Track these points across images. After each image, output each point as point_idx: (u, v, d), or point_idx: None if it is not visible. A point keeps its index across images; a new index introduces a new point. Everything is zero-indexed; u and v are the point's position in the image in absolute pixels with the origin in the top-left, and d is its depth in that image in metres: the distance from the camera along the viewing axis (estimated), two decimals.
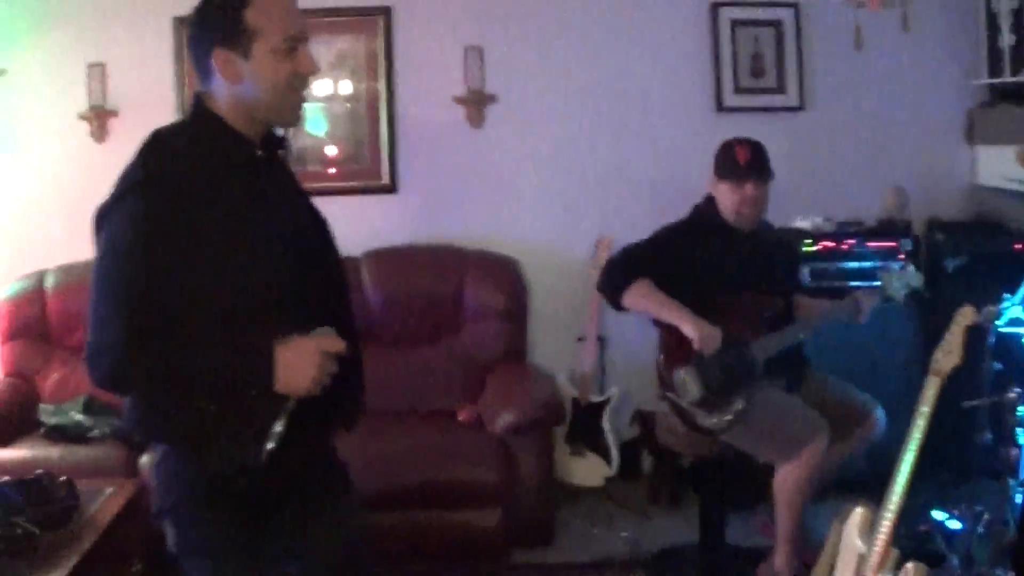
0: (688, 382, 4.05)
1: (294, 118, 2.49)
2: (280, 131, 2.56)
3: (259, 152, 2.47)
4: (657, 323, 4.22)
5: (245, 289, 2.34)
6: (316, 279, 2.52)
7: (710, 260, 4.21)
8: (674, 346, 4.10)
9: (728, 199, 4.21)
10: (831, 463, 4.18)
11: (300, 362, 2.28)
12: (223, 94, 2.40)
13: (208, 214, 2.30)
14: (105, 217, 2.31)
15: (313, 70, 2.43)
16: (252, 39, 2.35)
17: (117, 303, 2.25)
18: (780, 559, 4.13)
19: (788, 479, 4.03)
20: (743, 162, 4.19)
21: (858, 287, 4.52)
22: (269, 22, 2.35)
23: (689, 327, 4.00)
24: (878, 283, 4.35)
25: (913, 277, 4.32)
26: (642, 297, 4.13)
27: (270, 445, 2.28)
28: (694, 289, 4.12)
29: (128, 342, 2.22)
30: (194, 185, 2.31)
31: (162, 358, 2.25)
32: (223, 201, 2.34)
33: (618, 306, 4.21)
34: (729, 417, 4.05)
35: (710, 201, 4.31)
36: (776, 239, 4.53)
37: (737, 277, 4.21)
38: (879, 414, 4.26)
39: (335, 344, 2.34)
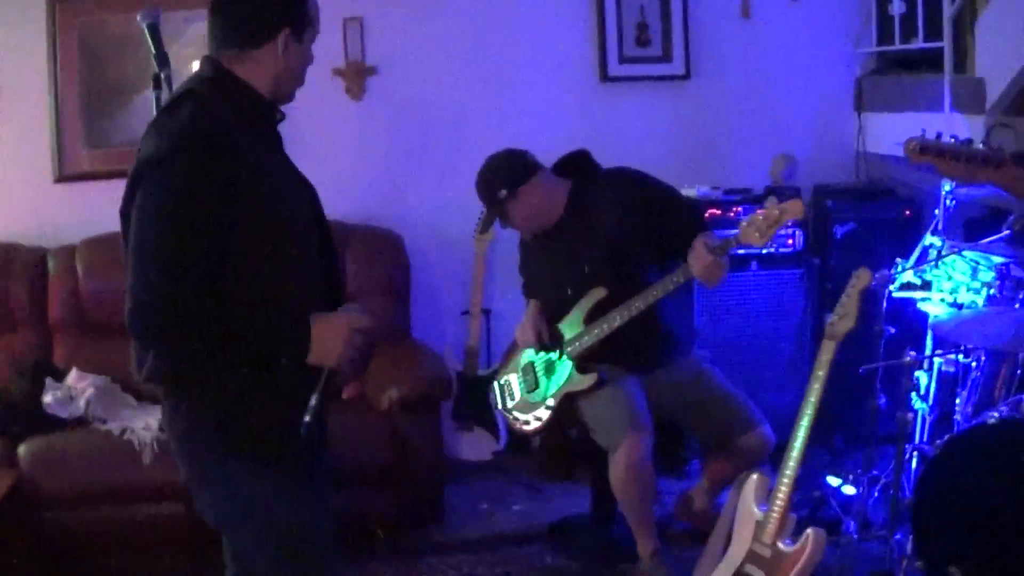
0: (508, 387, 4.38)
1: (292, 98, 2.67)
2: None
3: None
4: None
5: (288, 248, 2.48)
6: (325, 242, 2.68)
7: (535, 270, 4.43)
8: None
9: None
10: (720, 483, 4.22)
11: (332, 336, 2.44)
12: (264, 67, 2.54)
13: (255, 176, 2.41)
14: (162, 163, 2.35)
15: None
16: (306, 27, 2.59)
17: (181, 253, 2.31)
18: (640, 547, 4.05)
19: (615, 471, 3.96)
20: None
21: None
22: (316, 15, 2.63)
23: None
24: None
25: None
26: None
27: (307, 418, 2.43)
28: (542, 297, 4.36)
29: (184, 292, 2.30)
30: (241, 146, 2.42)
31: (211, 315, 2.33)
32: (263, 164, 2.47)
33: None
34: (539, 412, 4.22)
35: None
36: (582, 228, 4.18)
37: (558, 277, 4.24)
38: (766, 430, 4.09)
39: (362, 321, 2.52)
